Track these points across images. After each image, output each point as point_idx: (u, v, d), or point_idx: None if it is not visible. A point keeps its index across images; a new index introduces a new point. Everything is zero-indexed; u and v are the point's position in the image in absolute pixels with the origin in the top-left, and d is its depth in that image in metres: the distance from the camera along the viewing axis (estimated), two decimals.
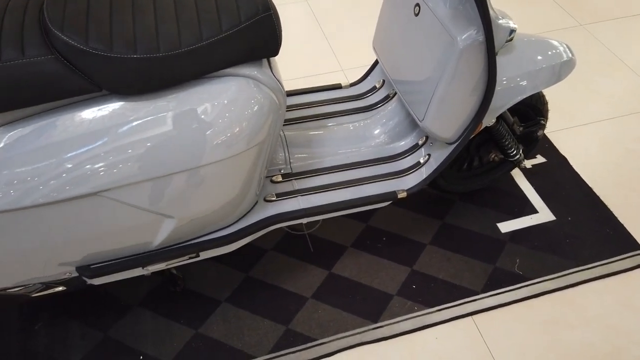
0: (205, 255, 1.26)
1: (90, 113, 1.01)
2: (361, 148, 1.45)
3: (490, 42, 1.10)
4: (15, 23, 0.96)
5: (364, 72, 2.21)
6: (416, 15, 1.26)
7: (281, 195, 1.34)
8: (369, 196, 1.34)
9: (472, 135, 1.32)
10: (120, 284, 1.52)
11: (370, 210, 1.69)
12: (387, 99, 1.54)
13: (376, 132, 1.47)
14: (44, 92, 0.96)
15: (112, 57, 0.95)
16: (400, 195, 1.35)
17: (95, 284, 1.21)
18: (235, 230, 1.25)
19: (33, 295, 1.29)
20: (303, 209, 1.31)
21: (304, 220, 1.33)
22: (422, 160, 1.40)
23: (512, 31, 1.29)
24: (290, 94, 1.58)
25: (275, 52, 1.10)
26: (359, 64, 2.24)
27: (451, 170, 1.59)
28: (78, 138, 1.01)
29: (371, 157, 1.43)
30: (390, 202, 1.37)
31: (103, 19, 0.98)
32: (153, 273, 1.48)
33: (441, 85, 1.21)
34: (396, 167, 1.42)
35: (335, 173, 1.40)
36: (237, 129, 1.10)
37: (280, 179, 1.39)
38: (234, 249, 1.28)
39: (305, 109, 1.53)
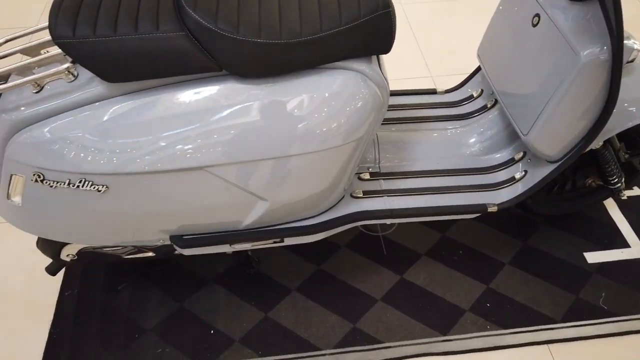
0: (289, 241, 1.29)
1: (207, 91, 1.06)
2: (453, 156, 1.42)
3: (618, 61, 1.05)
4: (152, 0, 1.03)
5: (453, 80, 2.16)
6: (534, 26, 1.22)
7: (368, 193, 1.34)
8: (458, 205, 1.31)
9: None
10: (199, 259, 1.58)
11: (449, 220, 1.66)
12: (484, 109, 1.50)
13: (471, 141, 1.44)
14: (170, 66, 1.01)
15: (237, 40, 0.99)
16: (490, 209, 1.31)
17: (185, 254, 1.26)
18: (321, 221, 1.27)
19: (125, 257, 1.36)
20: (389, 209, 1.30)
21: (388, 221, 1.33)
22: (517, 176, 1.35)
23: (635, 52, 1.22)
24: None
25: (387, 49, 1.11)
26: (449, 71, 2.21)
27: (541, 190, 1.52)
28: (192, 113, 1.06)
29: (463, 166, 1.40)
30: (478, 214, 1.33)
31: (232, 3, 1.02)
32: (232, 253, 1.53)
33: (553, 101, 1.16)
34: (489, 180, 1.38)
35: (424, 178, 1.38)
36: (338, 123, 1.11)
37: (368, 176, 1.39)
38: (317, 239, 1.30)
39: (399, 110, 1.52)
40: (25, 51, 1.14)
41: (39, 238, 1.31)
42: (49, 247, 1.30)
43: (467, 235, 1.64)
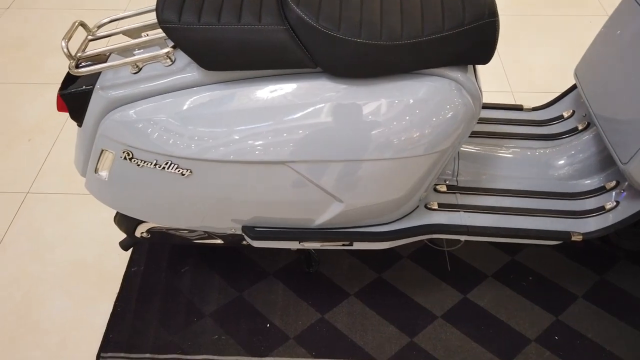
0: (358, 246, 1.26)
1: (299, 87, 1.06)
2: (538, 177, 1.35)
3: None
4: None
5: (534, 98, 2.07)
6: None
7: (443, 206, 1.30)
8: (539, 230, 1.24)
9: None
10: (261, 251, 1.59)
11: (520, 243, 1.58)
12: (574, 131, 1.42)
13: (559, 163, 1.36)
14: (267, 59, 1.02)
15: (337, 38, 0.98)
16: (574, 238, 1.24)
17: (253, 245, 1.27)
18: (394, 229, 1.24)
19: (194, 241, 1.39)
20: (465, 225, 1.25)
21: (462, 238, 1.28)
22: (608, 206, 1.26)
23: None
24: None
25: (486, 60, 1.06)
26: (531, 88, 2.11)
27: None
28: (282, 107, 1.06)
29: (547, 189, 1.33)
30: (560, 242, 1.26)
31: (335, 0, 1.01)
32: (296, 249, 1.52)
33: None
34: (574, 207, 1.30)
35: (504, 197, 1.32)
36: (428, 131, 1.08)
37: (444, 189, 1.34)
38: (387, 247, 1.27)
39: (483, 124, 1.47)
40: (127, 32, 1.18)
41: (117, 213, 1.36)
42: (126, 223, 1.34)
43: (538, 261, 1.56)
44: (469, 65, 1.11)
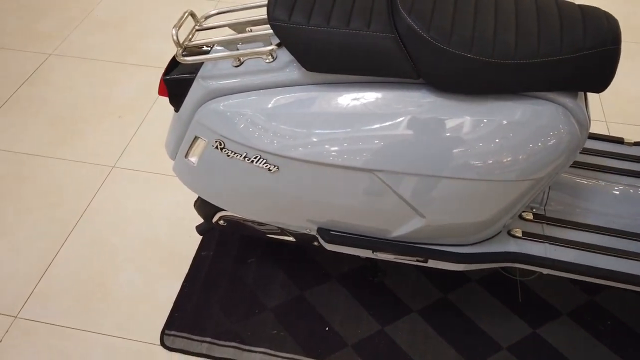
0: (432, 264, 1.23)
1: (398, 96, 1.04)
2: (635, 217, 1.26)
3: None
4: None
5: (631, 130, 1.94)
6: None
7: (528, 235, 1.24)
8: (632, 275, 1.15)
9: None
10: (327, 253, 1.59)
11: (601, 284, 1.48)
12: None
13: None
14: (371, 65, 1.01)
15: (446, 51, 0.95)
16: None
17: (326, 248, 1.27)
18: (473, 252, 1.20)
19: (267, 235, 1.41)
20: (550, 258, 1.19)
21: (544, 271, 1.21)
22: None
23: None
24: None
25: (602, 88, 1.00)
26: (628, 120, 1.98)
27: None
28: (379, 115, 1.04)
29: None
30: None
31: (447, 12, 0.99)
32: (364, 257, 1.51)
33: None
34: None
35: (594, 234, 1.24)
36: (525, 156, 1.03)
37: (530, 217, 1.28)
38: (462, 269, 1.23)
39: (579, 153, 1.38)
40: (232, 26, 1.21)
41: (198, 198, 1.40)
42: (205, 209, 1.38)
43: (619, 306, 1.46)
44: (580, 92, 1.05)
